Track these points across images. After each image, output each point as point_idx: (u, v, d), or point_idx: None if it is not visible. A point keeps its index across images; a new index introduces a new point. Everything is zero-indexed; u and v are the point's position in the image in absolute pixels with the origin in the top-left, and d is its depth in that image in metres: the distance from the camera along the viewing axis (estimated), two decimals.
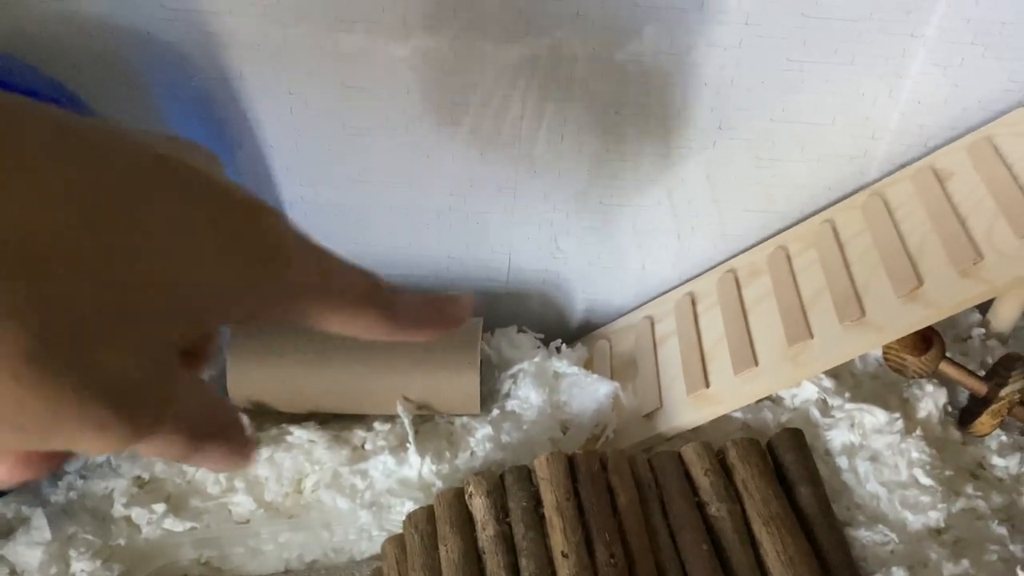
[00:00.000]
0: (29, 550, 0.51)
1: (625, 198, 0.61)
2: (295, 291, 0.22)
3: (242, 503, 0.56)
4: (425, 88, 0.55)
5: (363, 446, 0.59)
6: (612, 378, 0.61)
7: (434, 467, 0.57)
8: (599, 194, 0.60)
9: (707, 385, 0.57)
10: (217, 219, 0.20)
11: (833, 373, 0.59)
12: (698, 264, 0.64)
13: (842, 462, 0.55)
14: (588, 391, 0.60)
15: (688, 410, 0.57)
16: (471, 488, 0.51)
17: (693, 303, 0.63)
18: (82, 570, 0.51)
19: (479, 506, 0.51)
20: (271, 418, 0.60)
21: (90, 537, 0.53)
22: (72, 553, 0.52)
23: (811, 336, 0.54)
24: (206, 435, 0.22)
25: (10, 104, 0.17)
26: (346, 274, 0.23)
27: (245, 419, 0.24)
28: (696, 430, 0.57)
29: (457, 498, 0.52)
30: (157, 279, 0.18)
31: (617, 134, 0.57)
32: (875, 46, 0.53)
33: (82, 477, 0.56)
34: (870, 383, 0.60)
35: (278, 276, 0.21)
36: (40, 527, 0.52)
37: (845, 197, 0.60)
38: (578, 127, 0.57)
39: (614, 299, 0.67)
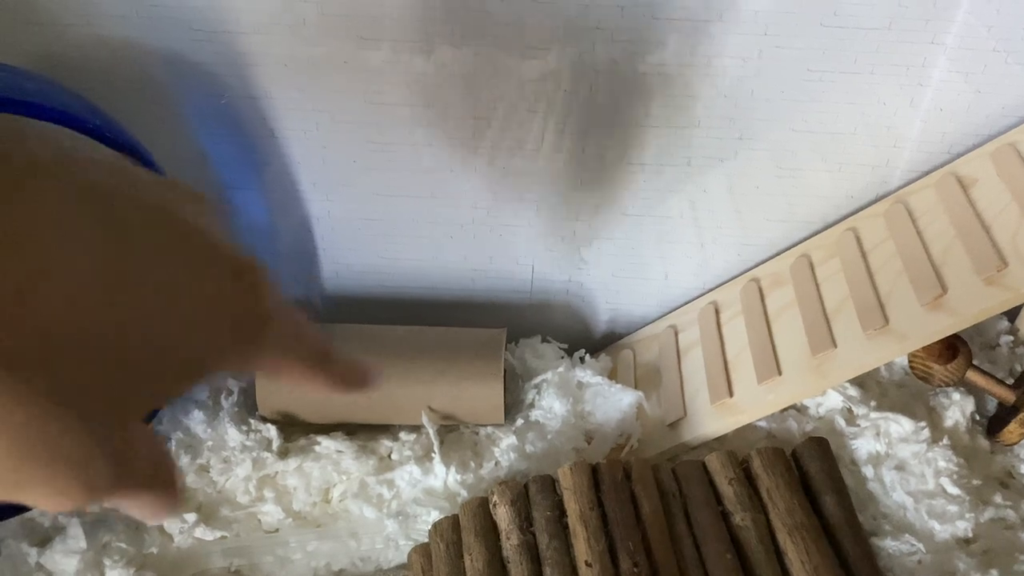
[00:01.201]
0: (65, 558, 0.52)
1: (647, 209, 0.61)
2: (270, 351, 0.22)
3: (271, 512, 0.57)
4: (449, 102, 0.56)
5: (389, 456, 0.60)
6: (636, 388, 0.61)
7: (459, 477, 0.57)
8: (622, 205, 0.61)
9: (731, 394, 0.57)
10: (210, 281, 0.20)
11: (858, 382, 0.59)
12: (721, 274, 0.64)
13: (868, 471, 0.55)
14: (612, 401, 0.61)
15: (712, 419, 0.57)
16: (495, 497, 0.52)
17: (716, 312, 0.63)
18: None
19: (503, 515, 0.51)
20: (299, 429, 0.61)
21: (124, 545, 0.54)
22: (107, 561, 0.53)
23: (834, 345, 0.54)
24: (145, 487, 0.22)
25: (40, 160, 0.18)
26: (312, 337, 0.24)
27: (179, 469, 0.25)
28: (720, 439, 0.57)
29: (482, 507, 0.52)
30: (152, 353, 0.19)
31: (639, 145, 0.58)
32: (895, 55, 0.53)
33: None
34: (896, 392, 0.60)
35: (258, 338, 0.22)
36: (76, 536, 0.53)
37: (867, 206, 0.60)
38: (600, 139, 0.57)
39: (637, 309, 0.67)
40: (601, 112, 0.56)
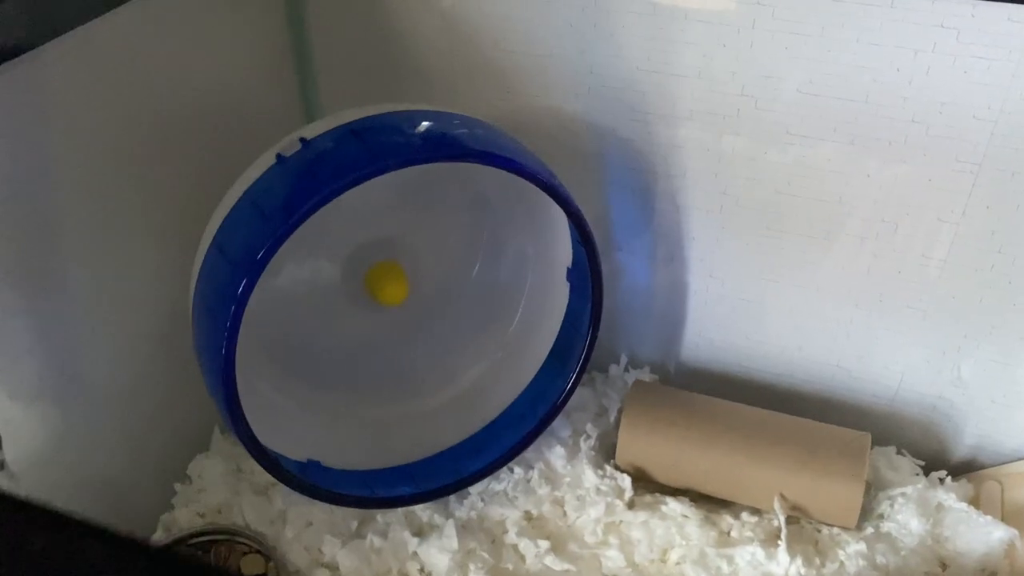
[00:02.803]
0: (440, 554, 0.59)
1: None
2: None
3: (613, 559, 0.60)
4: (857, 204, 0.58)
5: (729, 532, 0.61)
6: (1004, 523, 0.58)
7: (803, 570, 0.57)
8: (1021, 331, 0.58)
9: None
10: None
11: None
12: None
13: None
14: (977, 532, 0.58)
15: None
16: None
17: None
18: None
19: None
20: (648, 485, 0.64)
21: (486, 555, 0.60)
22: (471, 566, 0.59)
23: None
24: None
25: None
26: None
27: None
28: None
29: None
30: None
31: None
32: None
33: (483, 501, 0.63)
34: None
35: None
36: (450, 536, 0.60)
37: None
38: (1013, 260, 0.56)
39: (1009, 440, 0.64)
40: (1020, 234, 0.55)
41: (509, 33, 0.59)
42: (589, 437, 0.66)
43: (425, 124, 0.51)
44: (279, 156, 0.49)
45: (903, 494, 0.61)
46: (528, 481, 0.64)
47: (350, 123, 0.50)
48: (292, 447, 0.57)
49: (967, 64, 0.51)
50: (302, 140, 0.49)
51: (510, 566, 0.60)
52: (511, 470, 0.64)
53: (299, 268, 0.59)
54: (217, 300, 0.48)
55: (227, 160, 0.54)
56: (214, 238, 0.50)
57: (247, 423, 0.50)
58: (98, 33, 0.49)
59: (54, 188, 0.50)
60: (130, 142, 0.54)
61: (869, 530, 0.60)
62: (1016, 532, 0.56)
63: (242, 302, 0.46)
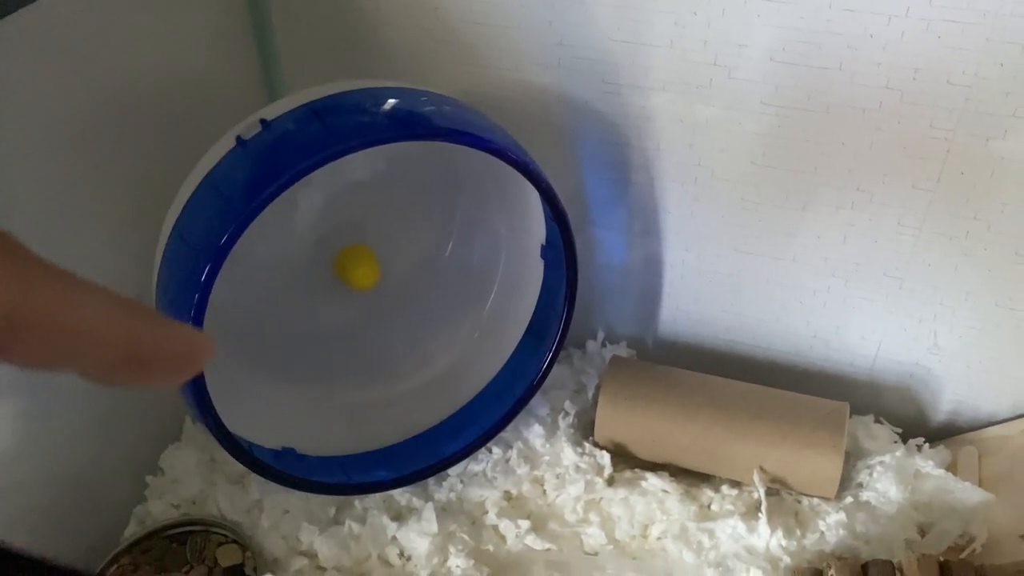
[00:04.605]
0: (419, 538, 0.58)
1: None
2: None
3: (594, 536, 0.60)
4: (832, 173, 0.57)
5: (710, 506, 0.61)
6: (980, 487, 0.58)
7: (783, 542, 0.57)
8: (998, 297, 0.58)
9: None
10: None
11: None
12: None
13: None
14: (955, 497, 0.58)
15: None
16: (832, 571, 0.51)
17: None
18: (458, 566, 0.58)
19: None
20: (628, 461, 0.64)
21: (466, 537, 0.59)
22: (451, 549, 0.58)
23: None
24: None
25: None
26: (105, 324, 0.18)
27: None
28: None
29: None
30: None
31: None
32: None
33: (462, 482, 0.63)
34: None
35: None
36: (429, 519, 0.59)
37: None
38: (988, 226, 0.55)
39: (987, 405, 0.64)
40: (995, 200, 0.54)
41: (476, 4, 0.58)
42: (567, 415, 0.65)
43: (391, 102, 0.50)
44: (239, 139, 0.47)
45: (881, 463, 0.61)
46: (507, 461, 0.63)
47: (312, 102, 0.48)
48: (265, 435, 0.56)
49: (941, 29, 0.50)
50: (262, 121, 0.48)
51: (491, 547, 0.59)
52: (489, 450, 0.64)
53: (266, 254, 0.58)
54: (180, 288, 0.46)
55: (188, 143, 0.52)
56: (175, 224, 0.48)
57: (216, 413, 0.49)
58: (47, 12, 0.47)
59: (3, 175, 0.48)
60: (84, 126, 0.52)
61: (849, 499, 0.60)
62: (993, 496, 0.57)
63: (206, 289, 0.45)
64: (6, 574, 0.14)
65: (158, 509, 0.61)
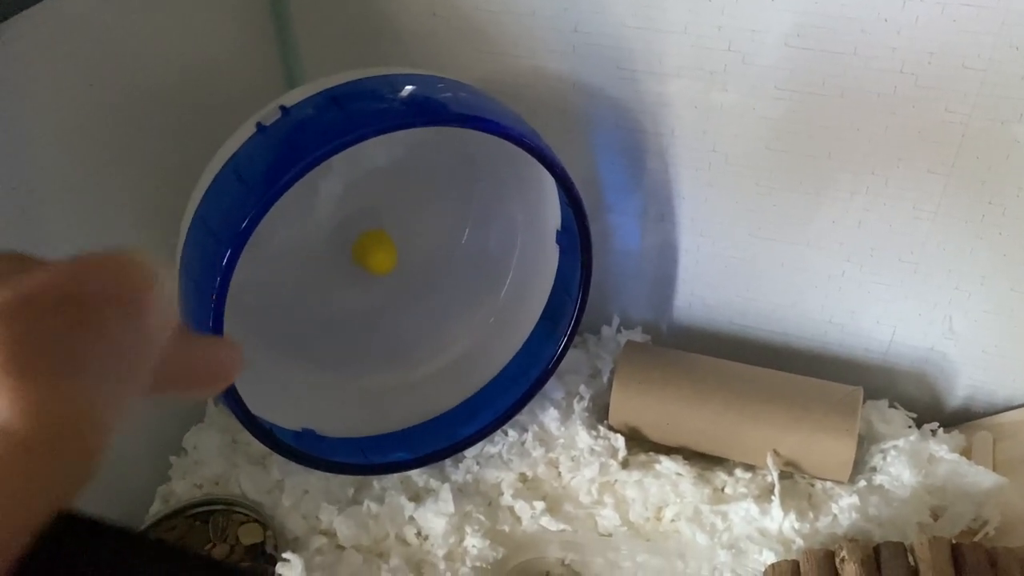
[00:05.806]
0: (436, 518, 0.60)
1: None
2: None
3: (608, 517, 0.61)
4: (847, 158, 0.57)
5: (723, 489, 0.62)
6: (994, 472, 0.58)
7: (796, 525, 0.57)
8: (1013, 281, 0.58)
9: None
10: None
11: None
12: None
13: None
14: (969, 481, 0.58)
15: None
16: (844, 553, 0.52)
17: None
18: (474, 545, 0.59)
19: (851, 572, 0.51)
20: (642, 444, 0.64)
21: (482, 518, 0.60)
22: (468, 529, 0.59)
23: None
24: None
25: None
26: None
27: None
28: None
29: (827, 559, 0.52)
30: None
31: None
32: None
33: (478, 464, 0.64)
34: None
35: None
36: (446, 500, 0.60)
37: None
38: (1004, 210, 0.55)
39: (1003, 391, 0.64)
40: (1010, 184, 0.54)
41: None
42: (582, 398, 0.66)
43: (408, 88, 0.50)
44: (259, 125, 0.48)
45: (895, 447, 0.61)
46: (523, 444, 0.64)
47: (331, 89, 0.49)
48: (286, 417, 0.57)
49: (956, 12, 0.50)
50: (282, 108, 0.48)
51: (506, 528, 0.60)
52: (505, 433, 0.65)
53: (286, 239, 0.59)
54: (202, 273, 0.47)
55: (210, 131, 0.53)
56: (197, 210, 0.49)
57: (238, 395, 0.51)
58: (73, 5, 0.48)
59: (30, 166, 0.49)
60: (108, 115, 0.53)
61: (862, 483, 0.60)
62: (1007, 481, 0.57)
63: (227, 274, 0.46)
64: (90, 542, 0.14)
65: (181, 488, 0.63)
